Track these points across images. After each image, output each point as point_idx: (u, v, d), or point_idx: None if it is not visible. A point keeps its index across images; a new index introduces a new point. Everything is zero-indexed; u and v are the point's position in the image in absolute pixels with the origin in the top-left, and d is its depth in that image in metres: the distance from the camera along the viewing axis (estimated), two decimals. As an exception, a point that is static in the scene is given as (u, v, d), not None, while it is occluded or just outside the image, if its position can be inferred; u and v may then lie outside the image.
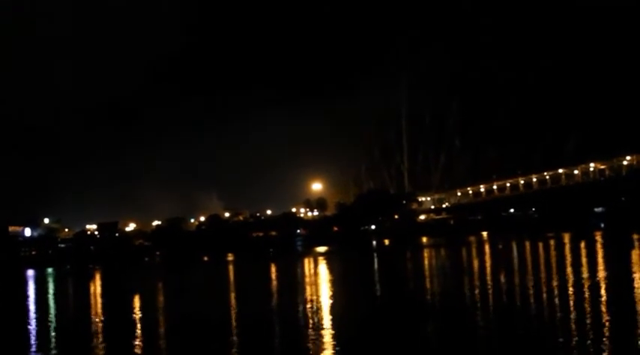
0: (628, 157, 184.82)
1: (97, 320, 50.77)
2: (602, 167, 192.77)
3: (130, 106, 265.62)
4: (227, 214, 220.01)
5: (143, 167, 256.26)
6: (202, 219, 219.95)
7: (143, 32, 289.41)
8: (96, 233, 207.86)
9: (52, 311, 61.36)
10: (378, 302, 52.32)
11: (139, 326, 46.12)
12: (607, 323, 35.09)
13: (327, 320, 42.10)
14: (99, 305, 64.30)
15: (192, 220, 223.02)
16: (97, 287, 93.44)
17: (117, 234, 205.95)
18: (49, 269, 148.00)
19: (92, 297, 75.49)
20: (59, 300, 73.82)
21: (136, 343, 38.84)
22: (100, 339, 41.28)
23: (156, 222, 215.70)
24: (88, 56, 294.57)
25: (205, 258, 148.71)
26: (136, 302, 63.85)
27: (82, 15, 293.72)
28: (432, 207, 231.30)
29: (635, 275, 55.33)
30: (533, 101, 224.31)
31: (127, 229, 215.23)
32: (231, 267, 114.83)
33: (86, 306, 61.84)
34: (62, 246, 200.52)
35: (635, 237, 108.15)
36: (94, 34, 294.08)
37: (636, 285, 48.80)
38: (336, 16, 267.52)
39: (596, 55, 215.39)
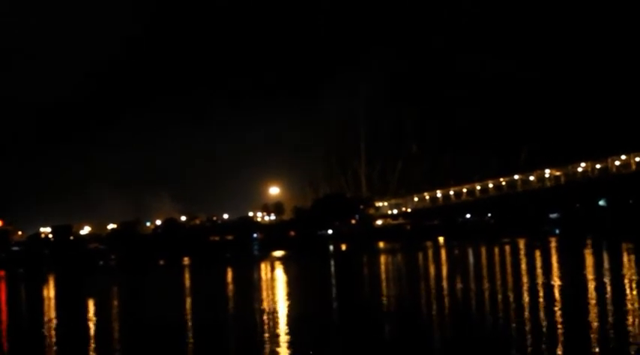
0: (583, 164, 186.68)
1: (49, 325, 50.07)
2: (558, 173, 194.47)
3: (84, 108, 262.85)
4: (183, 218, 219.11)
5: (98, 169, 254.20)
6: (158, 222, 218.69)
7: (97, 30, 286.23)
8: (50, 236, 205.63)
9: (3, 316, 60.46)
10: (334, 306, 52.23)
11: (92, 331, 45.56)
12: (560, 327, 35.31)
13: (282, 325, 41.89)
14: (52, 310, 63.43)
15: (148, 224, 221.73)
16: (50, 291, 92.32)
17: (71, 237, 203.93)
18: (1, 273, 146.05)
19: (45, 301, 74.49)
20: (11, 305, 72.80)
21: (89, 348, 38.37)
22: (53, 345, 40.70)
23: (111, 226, 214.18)
24: (40, 55, 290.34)
25: (161, 262, 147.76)
26: (90, 306, 63.21)
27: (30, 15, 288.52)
28: (389, 212, 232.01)
29: (588, 279, 55.84)
30: (490, 107, 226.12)
31: (82, 232, 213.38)
32: (186, 271, 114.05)
33: (39, 311, 61.00)
34: (15, 248, 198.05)
35: (589, 242, 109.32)
36: (45, 34, 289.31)
37: (589, 289, 49.26)
38: (296, 22, 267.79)
39: (552, 62, 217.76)
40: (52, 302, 72.65)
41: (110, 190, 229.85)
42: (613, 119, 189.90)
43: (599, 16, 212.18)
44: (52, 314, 59.36)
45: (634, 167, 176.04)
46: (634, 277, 55.60)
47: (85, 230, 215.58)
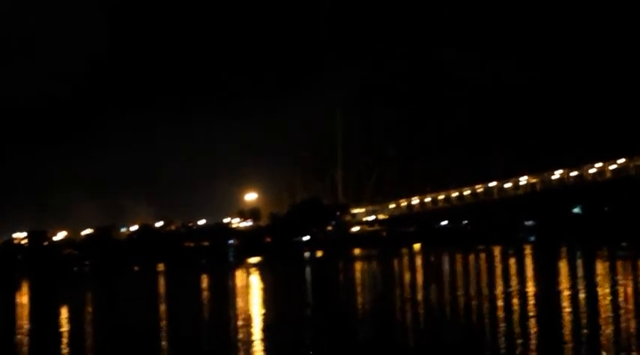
0: (558, 171, 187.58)
1: (22, 331, 49.65)
2: (533, 181, 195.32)
3: (58, 111, 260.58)
4: (159, 224, 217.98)
5: (72, 174, 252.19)
6: (133, 228, 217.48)
7: (74, 29, 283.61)
8: (24, 242, 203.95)
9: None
10: (309, 314, 52.11)
11: (65, 338, 45.20)
12: (534, 333, 35.38)
13: (256, 332, 41.71)
14: (25, 317, 62.95)
15: (123, 229, 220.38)
16: (23, 297, 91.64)
17: (45, 243, 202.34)
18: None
19: (18, 308, 73.94)
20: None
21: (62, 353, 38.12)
22: (26, 352, 40.37)
23: (86, 231, 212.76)
24: (15, 55, 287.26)
25: (136, 268, 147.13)
26: (64, 313, 62.78)
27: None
28: (365, 218, 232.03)
29: (561, 287, 56.05)
30: (466, 115, 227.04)
31: (56, 238, 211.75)
32: (161, 278, 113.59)
33: (12, 318, 60.47)
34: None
35: (564, 250, 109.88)
36: (21, 32, 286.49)
37: (562, 297, 49.43)
38: (273, 26, 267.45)
39: (528, 70, 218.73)
40: (26, 309, 72.10)
41: (85, 196, 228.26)
42: (588, 127, 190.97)
43: (576, 24, 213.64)
44: (25, 321, 58.88)
45: (609, 175, 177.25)
46: (607, 285, 55.85)
47: (60, 235, 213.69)
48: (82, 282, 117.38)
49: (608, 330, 35.74)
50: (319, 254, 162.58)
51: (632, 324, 37.50)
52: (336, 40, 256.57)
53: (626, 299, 47.56)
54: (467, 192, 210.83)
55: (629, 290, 52.40)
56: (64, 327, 50.98)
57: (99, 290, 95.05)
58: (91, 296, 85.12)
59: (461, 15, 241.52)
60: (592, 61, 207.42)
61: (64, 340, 44.22)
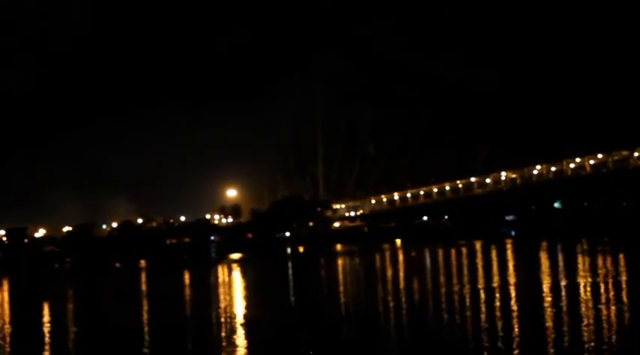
0: (538, 166, 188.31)
1: (3, 329, 49.43)
2: (514, 176, 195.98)
3: (35, 108, 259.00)
4: (140, 220, 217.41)
5: (52, 171, 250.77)
6: (114, 225, 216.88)
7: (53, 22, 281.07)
8: (4, 239, 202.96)
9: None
10: (291, 309, 52.18)
11: (47, 335, 45.07)
12: (516, 328, 35.62)
13: (238, 328, 41.72)
14: (6, 314, 62.68)
15: (104, 226, 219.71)
16: (4, 294, 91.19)
17: (26, 240, 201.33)
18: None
19: (-1, 305, 73.61)
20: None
21: (44, 352, 38.00)
22: (7, 351, 40.20)
23: (66, 228, 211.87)
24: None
25: (117, 265, 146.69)
26: (45, 310, 62.56)
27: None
28: (347, 214, 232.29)
29: (542, 281, 56.43)
30: (446, 110, 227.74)
31: (37, 235, 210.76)
32: (143, 274, 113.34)
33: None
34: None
35: (544, 244, 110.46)
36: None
37: (544, 291, 49.74)
38: (253, 21, 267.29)
39: (507, 65, 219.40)
40: (6, 306, 71.81)
41: (65, 192, 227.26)
42: (568, 122, 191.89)
43: (554, 17, 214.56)
44: (6, 318, 58.63)
45: (589, 169, 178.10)
46: (588, 279, 56.25)
47: (40, 232, 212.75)
48: (63, 279, 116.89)
49: (587, 322, 36.05)
50: (301, 250, 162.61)
51: (612, 316, 37.81)
52: (318, 38, 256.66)
53: (606, 292, 47.93)
54: (448, 188, 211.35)
55: (610, 283, 52.81)
56: (46, 324, 50.82)
57: (80, 287, 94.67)
58: (72, 293, 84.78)
59: (438, 16, 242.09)
60: (570, 57, 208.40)
61: (46, 337, 44.08)
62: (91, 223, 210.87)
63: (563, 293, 48.94)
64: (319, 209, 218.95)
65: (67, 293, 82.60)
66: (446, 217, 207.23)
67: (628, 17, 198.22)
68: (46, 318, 55.38)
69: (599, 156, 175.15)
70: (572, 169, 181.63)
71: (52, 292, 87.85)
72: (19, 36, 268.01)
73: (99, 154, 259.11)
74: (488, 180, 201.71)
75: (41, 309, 62.21)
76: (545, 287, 52.52)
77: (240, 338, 37.77)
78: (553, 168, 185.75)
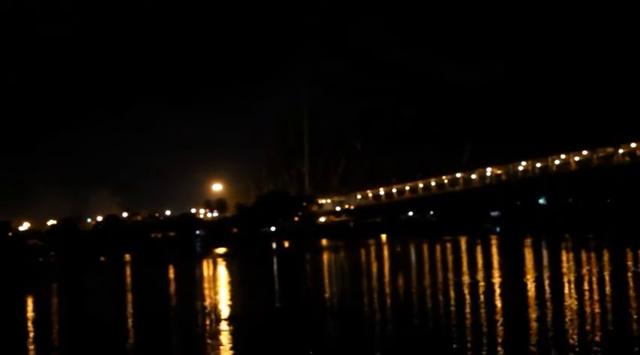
0: (523, 163, 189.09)
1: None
2: (499, 172, 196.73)
3: (20, 103, 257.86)
4: (125, 214, 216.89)
5: (37, 165, 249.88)
6: (99, 218, 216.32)
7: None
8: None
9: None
10: (276, 303, 52.17)
11: (31, 329, 44.93)
12: (499, 323, 35.73)
13: (223, 323, 41.68)
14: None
15: (88, 220, 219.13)
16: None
17: (10, 234, 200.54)
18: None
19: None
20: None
21: (29, 346, 37.88)
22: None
23: (51, 222, 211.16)
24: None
25: (102, 259, 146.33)
26: (29, 304, 62.38)
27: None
28: (332, 209, 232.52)
29: (526, 277, 56.63)
30: (432, 105, 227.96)
31: (21, 228, 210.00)
32: (128, 268, 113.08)
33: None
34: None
35: (529, 240, 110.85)
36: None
37: (527, 287, 49.95)
38: (241, 17, 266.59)
39: (492, 61, 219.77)
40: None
41: (50, 186, 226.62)
42: (553, 119, 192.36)
43: (541, 13, 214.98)
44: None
45: (573, 166, 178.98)
46: (572, 274, 56.49)
47: (24, 226, 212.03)
48: (48, 273, 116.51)
49: (571, 317, 36.19)
50: (286, 244, 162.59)
51: (596, 311, 37.97)
52: (304, 34, 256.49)
53: (590, 288, 48.13)
54: (433, 183, 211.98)
55: (594, 278, 53.05)
56: (30, 318, 50.67)
57: (65, 281, 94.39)
58: (56, 287, 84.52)
59: (424, 12, 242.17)
60: (555, 53, 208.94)
61: (30, 331, 43.95)
62: (75, 217, 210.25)
63: (547, 288, 49.14)
64: (305, 204, 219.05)
65: (51, 287, 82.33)
66: (431, 212, 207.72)
67: (606, 15, 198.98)
68: (30, 312, 55.22)
69: (584, 152, 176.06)
70: (558, 165, 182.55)
71: (36, 286, 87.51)
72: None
73: (84, 149, 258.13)
74: (473, 176, 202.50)
75: (25, 303, 62.00)
76: (529, 282, 52.72)
77: (224, 333, 37.72)
78: (538, 165, 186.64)
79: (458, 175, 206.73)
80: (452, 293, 48.60)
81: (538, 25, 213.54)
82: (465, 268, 68.76)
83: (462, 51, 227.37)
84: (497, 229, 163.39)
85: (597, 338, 31.62)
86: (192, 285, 69.55)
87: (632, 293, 44.87)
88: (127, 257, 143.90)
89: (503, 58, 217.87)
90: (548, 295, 45.66)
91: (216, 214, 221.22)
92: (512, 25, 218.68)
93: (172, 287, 71.69)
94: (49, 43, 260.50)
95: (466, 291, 49.40)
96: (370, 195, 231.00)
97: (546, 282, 52.38)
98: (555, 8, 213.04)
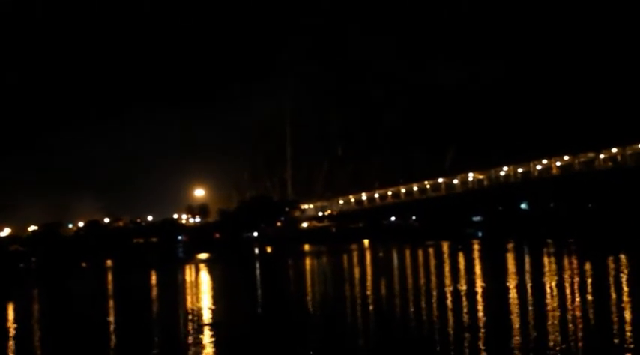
0: (505, 168, 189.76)
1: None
2: (481, 177, 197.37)
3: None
4: (107, 220, 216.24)
5: (17, 171, 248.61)
6: (81, 224, 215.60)
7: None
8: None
9: None
10: (258, 309, 52.14)
11: (11, 335, 44.68)
12: (481, 328, 35.83)
13: (206, 328, 41.62)
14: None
15: (70, 226, 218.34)
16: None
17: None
18: None
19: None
20: None
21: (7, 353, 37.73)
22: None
23: (32, 228, 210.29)
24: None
25: (83, 265, 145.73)
26: (10, 310, 62.07)
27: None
28: (315, 214, 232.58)
29: (508, 282, 56.84)
30: (414, 110, 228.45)
31: (2, 234, 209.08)
32: (109, 274, 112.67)
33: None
34: None
35: (511, 245, 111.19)
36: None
37: (509, 291, 50.13)
38: (224, 23, 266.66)
39: (474, 65, 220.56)
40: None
41: (31, 192, 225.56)
42: (535, 124, 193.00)
43: (525, 17, 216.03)
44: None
45: (555, 171, 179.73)
46: (554, 279, 56.69)
47: (5, 232, 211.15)
48: (29, 279, 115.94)
49: (552, 321, 36.34)
50: (268, 250, 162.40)
51: (577, 315, 38.14)
52: (286, 39, 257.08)
53: (572, 292, 48.35)
54: (415, 188, 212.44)
55: (576, 283, 53.28)
56: (10, 325, 50.41)
57: (46, 287, 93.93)
58: (38, 293, 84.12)
59: (406, 17, 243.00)
60: (539, 57, 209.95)
61: (11, 338, 43.70)
62: (57, 222, 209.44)
63: (528, 293, 49.32)
64: (287, 209, 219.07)
65: (32, 294, 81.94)
66: (414, 218, 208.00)
67: (581, 22, 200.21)
68: (10, 319, 54.92)
69: (566, 157, 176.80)
70: (539, 171, 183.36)
71: (17, 292, 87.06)
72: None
73: (65, 154, 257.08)
74: (455, 181, 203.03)
75: (5, 310, 61.67)
76: (511, 287, 52.91)
77: (207, 339, 37.67)
78: (520, 170, 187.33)
79: (440, 180, 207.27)
80: (434, 299, 48.69)
81: (521, 30, 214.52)
82: (447, 273, 68.92)
83: (444, 55, 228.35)
84: (480, 234, 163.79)
85: (580, 344, 31.78)
86: (175, 291, 69.39)
87: (612, 297, 45.07)
88: (109, 262, 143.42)
89: (486, 61, 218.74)
90: (529, 300, 45.82)
91: (198, 220, 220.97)
92: (495, 30, 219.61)
93: (154, 293, 71.47)
94: (30, 50, 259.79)
95: (448, 296, 49.50)
96: (353, 200, 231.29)
97: (528, 287, 52.58)
98: (538, 16, 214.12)
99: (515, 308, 42.01)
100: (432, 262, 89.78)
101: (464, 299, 47.67)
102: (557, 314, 38.99)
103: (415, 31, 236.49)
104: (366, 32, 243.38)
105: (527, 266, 72.84)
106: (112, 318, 50.73)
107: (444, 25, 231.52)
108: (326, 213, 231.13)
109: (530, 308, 42.06)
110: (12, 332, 46.20)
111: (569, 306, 42.05)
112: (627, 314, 38.30)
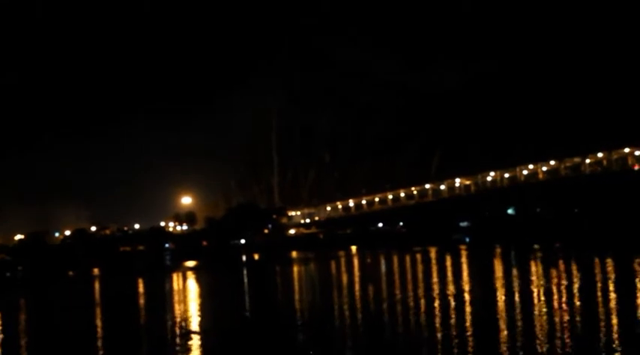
0: (492, 173, 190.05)
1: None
2: (468, 182, 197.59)
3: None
4: (93, 228, 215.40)
5: (3, 179, 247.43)
6: (67, 232, 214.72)
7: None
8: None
9: None
10: (246, 316, 52.05)
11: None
12: (469, 333, 35.86)
13: (193, 335, 41.53)
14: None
15: (56, 234, 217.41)
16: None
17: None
18: None
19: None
20: None
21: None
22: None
23: (18, 236, 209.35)
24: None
25: (70, 273, 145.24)
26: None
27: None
28: (302, 221, 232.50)
29: (496, 287, 56.94)
30: (401, 117, 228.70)
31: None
32: (97, 282, 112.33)
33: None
34: None
35: (498, 251, 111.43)
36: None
37: (497, 297, 50.21)
38: (207, 26, 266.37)
39: (458, 73, 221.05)
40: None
41: (17, 201, 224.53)
42: (521, 129, 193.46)
43: (507, 23, 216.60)
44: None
45: (542, 176, 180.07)
46: (541, 284, 56.82)
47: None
48: (15, 288, 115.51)
49: (540, 325, 36.41)
50: (256, 257, 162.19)
51: (565, 319, 38.22)
52: (273, 44, 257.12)
53: (559, 297, 48.46)
54: (402, 194, 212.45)
55: (562, 288, 53.40)
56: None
57: (33, 296, 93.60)
58: (24, 302, 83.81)
59: (393, 22, 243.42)
60: (526, 62, 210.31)
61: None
62: (43, 231, 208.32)
63: (516, 298, 49.41)
64: (274, 216, 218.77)
65: (19, 303, 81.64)
66: (401, 224, 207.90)
67: (578, 20, 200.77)
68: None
69: (552, 162, 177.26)
70: (526, 176, 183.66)
71: (3, 301, 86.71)
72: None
73: (52, 162, 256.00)
74: (442, 187, 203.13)
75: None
76: (498, 292, 53.01)
77: (194, 346, 37.58)
78: (507, 175, 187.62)
79: (427, 186, 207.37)
80: (421, 304, 48.73)
81: (507, 35, 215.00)
82: (434, 279, 68.97)
83: (431, 60, 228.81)
84: (467, 239, 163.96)
85: (567, 349, 31.84)
86: (162, 298, 69.26)
87: (599, 300, 45.21)
88: (96, 271, 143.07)
89: (473, 66, 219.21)
90: (517, 305, 45.89)
91: (185, 227, 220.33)
92: (482, 29, 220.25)
93: (142, 301, 71.29)
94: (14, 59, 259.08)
95: (436, 302, 49.53)
96: (340, 206, 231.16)
97: (515, 292, 52.67)
98: (522, 21, 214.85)
99: (502, 314, 42.06)
100: (420, 268, 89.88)
101: (451, 304, 47.71)
102: (545, 318, 39.08)
103: (401, 36, 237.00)
104: (353, 39, 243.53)
105: (515, 271, 73.00)
106: (99, 327, 50.57)
107: (432, 30, 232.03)
108: (313, 220, 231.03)
109: (517, 312, 42.12)
110: (-2, 341, 46.07)
111: (557, 311, 42.11)
112: (614, 318, 38.42)
